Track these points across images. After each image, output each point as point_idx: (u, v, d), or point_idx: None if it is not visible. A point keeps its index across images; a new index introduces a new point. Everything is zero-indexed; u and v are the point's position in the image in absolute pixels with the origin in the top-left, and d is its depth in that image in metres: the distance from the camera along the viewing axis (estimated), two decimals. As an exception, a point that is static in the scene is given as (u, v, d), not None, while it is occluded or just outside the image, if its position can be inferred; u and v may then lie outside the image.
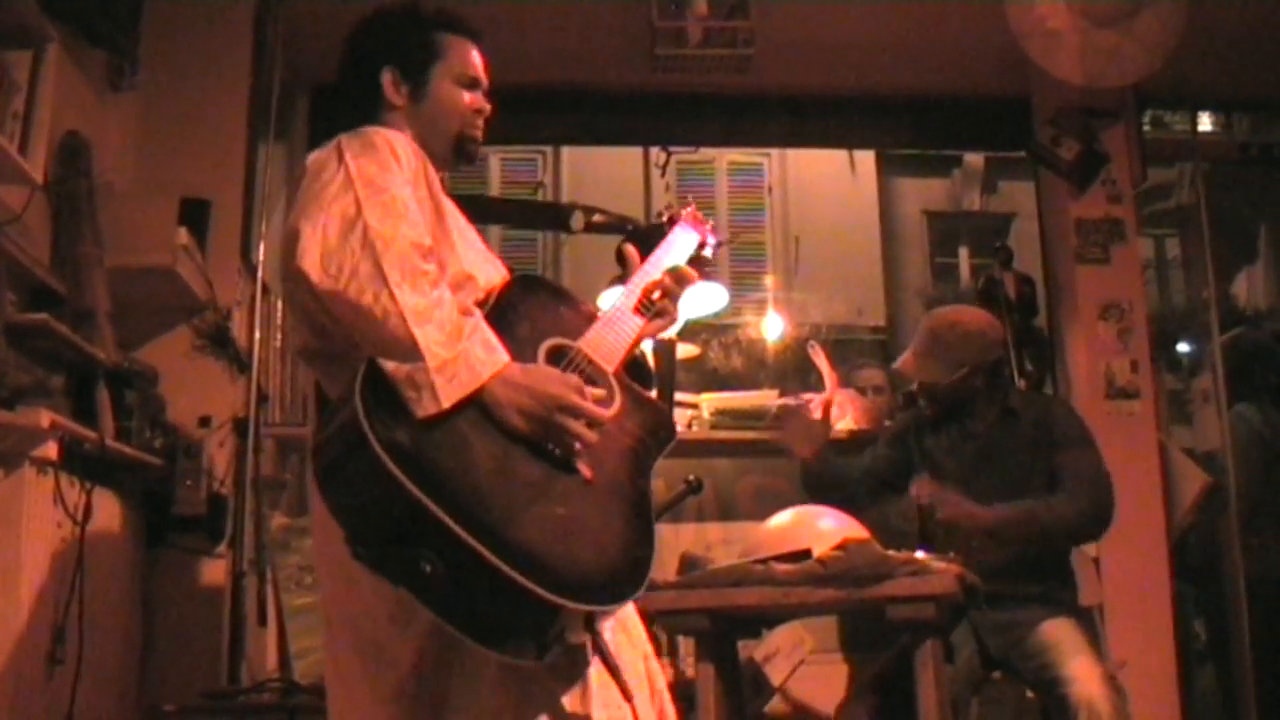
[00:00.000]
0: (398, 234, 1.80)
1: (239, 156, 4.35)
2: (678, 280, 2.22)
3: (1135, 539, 4.51)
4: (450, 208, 2.10)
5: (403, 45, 2.20)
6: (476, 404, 1.77)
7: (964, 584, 2.91)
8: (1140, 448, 4.79)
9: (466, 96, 2.22)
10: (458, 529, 1.63)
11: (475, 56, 2.26)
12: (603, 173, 8.75)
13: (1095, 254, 5.01)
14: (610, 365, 2.02)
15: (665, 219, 2.47)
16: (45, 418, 2.91)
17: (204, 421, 4.05)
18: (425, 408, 1.71)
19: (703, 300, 4.67)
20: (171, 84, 4.30)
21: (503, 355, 1.83)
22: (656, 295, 2.18)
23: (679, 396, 4.59)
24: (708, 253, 2.48)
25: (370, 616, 1.86)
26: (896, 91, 5.44)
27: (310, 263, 1.78)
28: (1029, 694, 3.62)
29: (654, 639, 2.15)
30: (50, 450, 3.03)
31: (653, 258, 2.27)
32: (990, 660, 3.52)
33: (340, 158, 1.91)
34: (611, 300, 2.18)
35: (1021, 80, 5.09)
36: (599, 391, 1.93)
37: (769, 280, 9.64)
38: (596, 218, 2.81)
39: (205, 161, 4.27)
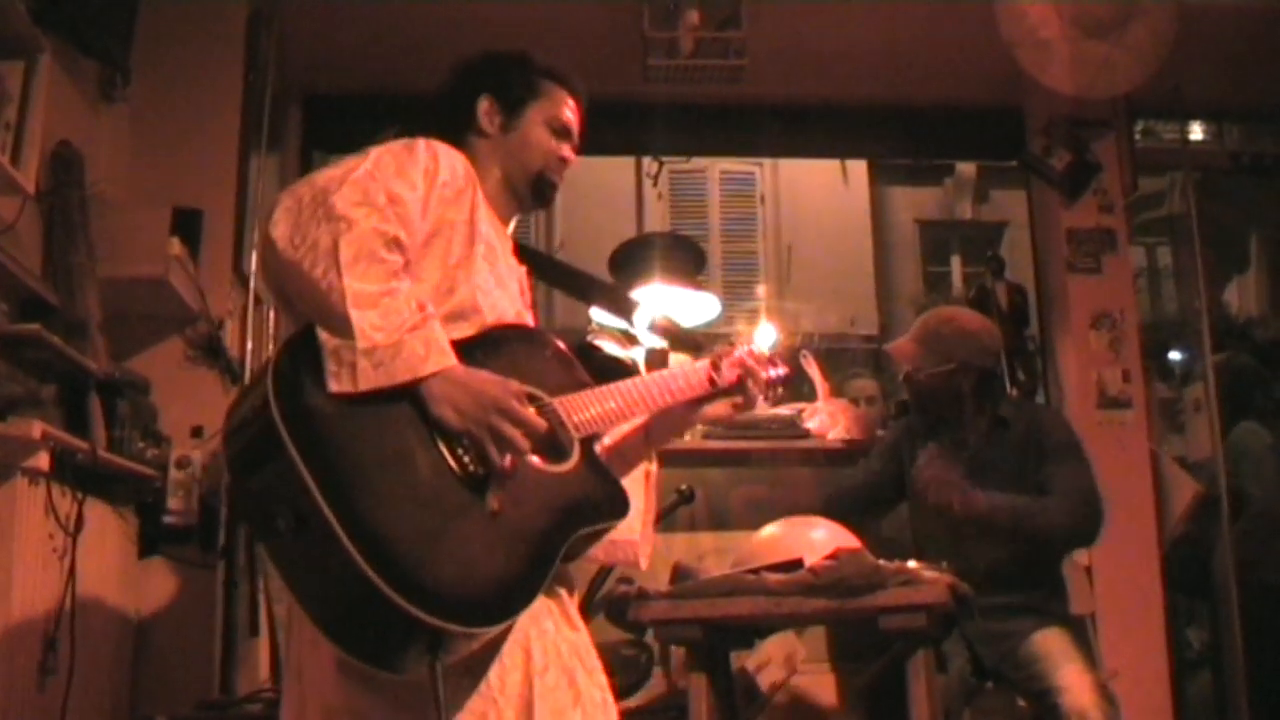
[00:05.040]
0: (366, 218, 1.82)
1: (231, 167, 4.35)
2: (759, 361, 2.35)
3: (1127, 548, 4.51)
4: (495, 242, 2.13)
5: (505, 79, 2.30)
6: (411, 399, 1.78)
7: (955, 594, 2.92)
8: (1132, 457, 4.80)
9: (554, 142, 2.29)
10: (315, 492, 1.63)
11: (571, 110, 2.34)
12: (596, 182, 8.76)
13: (1087, 263, 5.02)
14: (581, 432, 2.01)
15: (715, 366, 2.35)
16: (37, 428, 2.91)
17: (196, 432, 4.04)
18: (341, 384, 1.73)
19: (695, 309, 4.68)
20: (164, 94, 4.30)
21: (447, 358, 1.82)
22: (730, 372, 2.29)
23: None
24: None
25: (325, 672, 1.85)
26: (888, 101, 5.44)
27: (280, 232, 1.80)
28: (1021, 703, 3.62)
29: (605, 663, 2.12)
30: (42, 461, 3.02)
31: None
32: (982, 670, 3.52)
33: (372, 150, 1.95)
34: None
35: (1013, 90, 5.11)
36: (541, 423, 1.89)
37: (761, 289, 9.65)
38: (662, 321, 2.83)
39: (198, 171, 4.27)
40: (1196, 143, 6.01)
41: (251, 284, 4.30)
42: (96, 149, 3.94)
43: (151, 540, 3.91)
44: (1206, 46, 4.69)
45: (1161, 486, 4.84)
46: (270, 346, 4.52)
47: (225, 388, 4.17)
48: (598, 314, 4.01)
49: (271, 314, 4.52)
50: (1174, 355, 7.21)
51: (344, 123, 5.29)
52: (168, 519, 3.89)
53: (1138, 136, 5.30)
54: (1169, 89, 4.76)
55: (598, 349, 3.72)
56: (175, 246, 3.84)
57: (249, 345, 4.27)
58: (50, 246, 3.58)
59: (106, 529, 3.56)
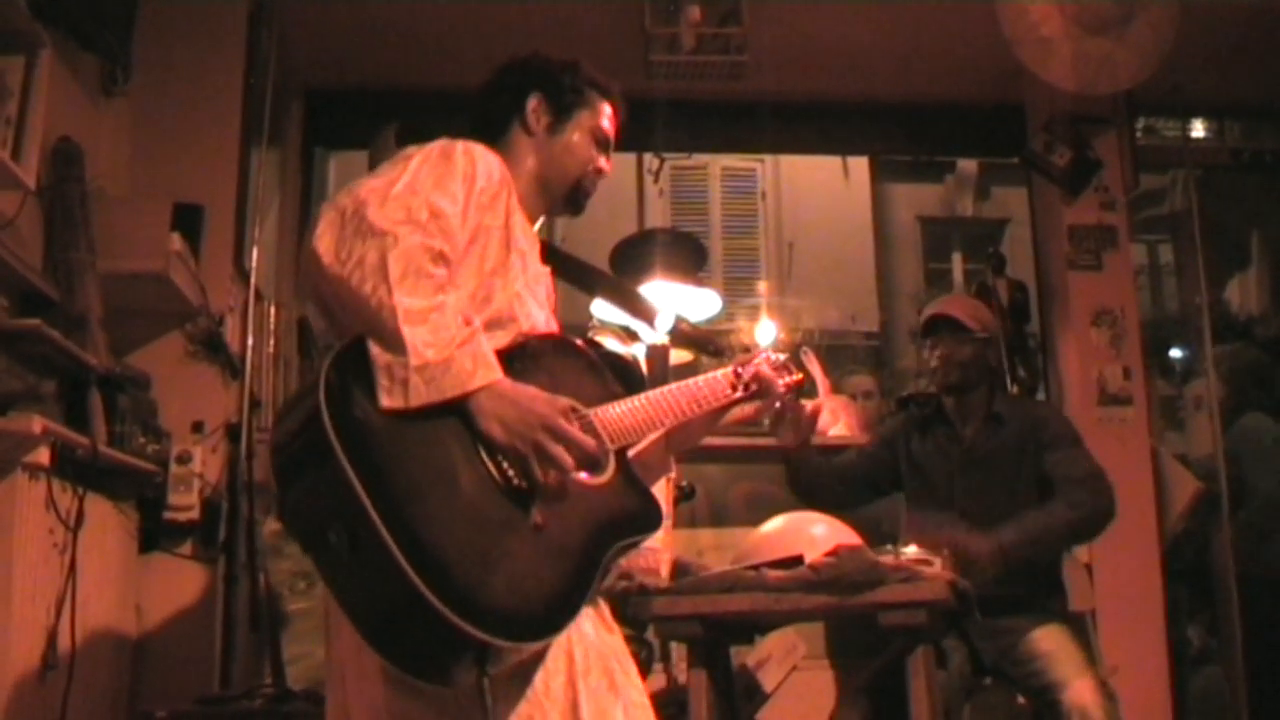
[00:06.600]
0: (410, 234, 1.83)
1: (232, 162, 4.35)
2: (775, 369, 2.47)
3: (1127, 544, 4.51)
4: (526, 246, 2.14)
5: (558, 83, 2.32)
6: (459, 413, 1.80)
7: (956, 590, 2.91)
8: (1132, 454, 4.79)
9: (594, 151, 2.32)
10: (369, 507, 1.63)
11: (610, 123, 2.36)
12: (596, 178, 8.73)
13: (1088, 260, 5.02)
14: (616, 443, 2.04)
15: (736, 375, 2.45)
16: (37, 423, 2.91)
17: (196, 427, 4.05)
18: (393, 399, 1.74)
19: (696, 306, 4.68)
20: (165, 89, 4.30)
21: (494, 372, 1.83)
22: (748, 381, 2.40)
23: (672, 402, 4.58)
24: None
25: (371, 676, 1.86)
26: (890, 97, 5.44)
27: (324, 246, 1.81)
28: (1020, 700, 3.62)
29: (633, 649, 2.15)
30: (42, 456, 3.03)
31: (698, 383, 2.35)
32: (981, 667, 3.52)
33: (410, 159, 1.95)
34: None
35: (1014, 87, 5.11)
36: (589, 440, 1.91)
37: (762, 286, 9.64)
38: (684, 326, 2.88)
39: (198, 167, 4.27)
40: (1198, 140, 5.99)
41: (252, 279, 4.30)
42: (97, 144, 3.94)
43: (152, 535, 3.92)
44: (1208, 43, 4.70)
45: (1162, 483, 4.84)
46: (270, 341, 4.52)
47: (225, 383, 4.17)
48: (599, 309, 4.01)
49: (271, 309, 4.52)
50: (1175, 352, 7.21)
51: (345, 118, 5.30)
52: (168, 514, 3.90)
53: (1139, 133, 5.30)
54: (1170, 86, 4.76)
55: (598, 345, 3.72)
56: (176, 242, 3.84)
57: (249, 340, 4.26)
58: (51, 241, 3.58)
59: (107, 524, 3.56)
